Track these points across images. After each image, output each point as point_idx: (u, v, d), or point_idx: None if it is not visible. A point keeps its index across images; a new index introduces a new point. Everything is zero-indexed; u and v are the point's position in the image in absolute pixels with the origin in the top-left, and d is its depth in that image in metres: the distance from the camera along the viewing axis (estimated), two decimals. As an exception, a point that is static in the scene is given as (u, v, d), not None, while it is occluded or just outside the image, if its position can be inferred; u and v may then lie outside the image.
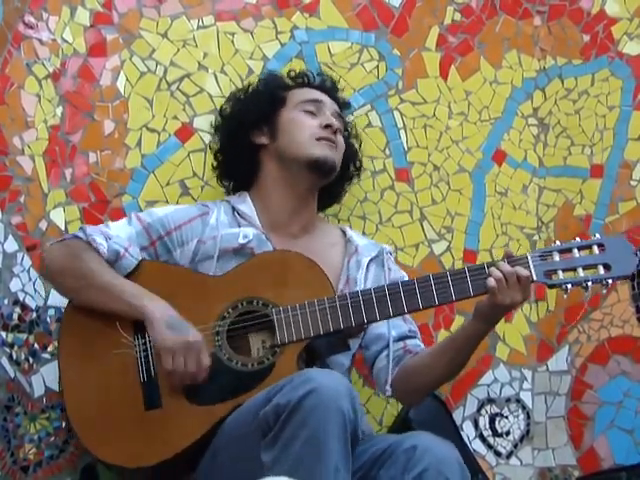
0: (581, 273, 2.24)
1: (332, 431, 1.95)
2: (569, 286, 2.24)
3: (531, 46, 3.09)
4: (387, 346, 2.45)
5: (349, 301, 2.26)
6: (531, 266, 2.24)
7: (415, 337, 2.49)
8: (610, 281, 2.23)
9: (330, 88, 2.66)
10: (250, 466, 2.05)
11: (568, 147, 3.06)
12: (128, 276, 2.36)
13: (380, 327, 2.46)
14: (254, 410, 2.07)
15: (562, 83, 3.08)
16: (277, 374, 2.21)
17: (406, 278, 2.53)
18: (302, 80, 2.65)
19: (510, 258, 2.26)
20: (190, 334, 2.24)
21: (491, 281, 2.22)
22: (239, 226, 2.46)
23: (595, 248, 2.25)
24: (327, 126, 2.51)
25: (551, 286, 2.27)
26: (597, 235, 2.28)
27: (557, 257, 2.26)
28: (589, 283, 2.22)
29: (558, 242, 2.30)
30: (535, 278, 2.24)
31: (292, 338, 2.25)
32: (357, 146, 2.71)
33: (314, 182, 2.53)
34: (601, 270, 2.24)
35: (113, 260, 2.36)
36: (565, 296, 2.28)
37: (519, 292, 2.22)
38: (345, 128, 2.64)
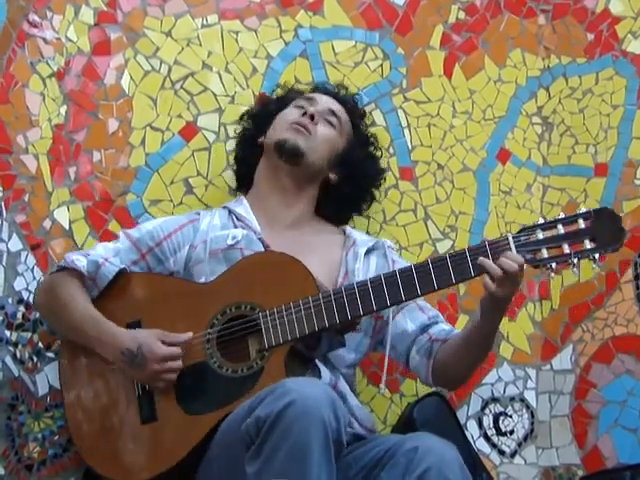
0: (566, 249, 2.12)
1: (314, 441, 1.94)
2: (554, 264, 2.13)
3: (535, 45, 3.08)
4: (414, 342, 2.45)
5: (333, 298, 2.23)
6: (512, 247, 2.15)
7: (437, 322, 2.47)
8: (597, 255, 2.12)
9: (332, 91, 2.69)
10: (239, 478, 2.04)
11: (572, 146, 3.05)
12: (120, 290, 2.37)
13: (400, 323, 2.45)
14: (238, 422, 2.06)
15: (566, 82, 3.07)
16: (267, 378, 2.19)
17: None
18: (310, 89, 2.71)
19: (491, 242, 2.17)
20: (146, 367, 2.24)
21: (489, 283, 2.16)
22: (235, 228, 2.47)
23: (581, 221, 2.13)
24: (305, 114, 2.55)
25: (535, 266, 2.17)
26: (582, 208, 2.17)
27: (540, 235, 2.15)
28: (575, 260, 2.12)
29: (541, 219, 2.20)
30: None
31: (279, 341, 2.23)
32: (378, 166, 2.72)
33: (289, 170, 2.52)
34: (587, 244, 2.12)
35: (94, 271, 2.37)
36: (552, 274, 2.18)
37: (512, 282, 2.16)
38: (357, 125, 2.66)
